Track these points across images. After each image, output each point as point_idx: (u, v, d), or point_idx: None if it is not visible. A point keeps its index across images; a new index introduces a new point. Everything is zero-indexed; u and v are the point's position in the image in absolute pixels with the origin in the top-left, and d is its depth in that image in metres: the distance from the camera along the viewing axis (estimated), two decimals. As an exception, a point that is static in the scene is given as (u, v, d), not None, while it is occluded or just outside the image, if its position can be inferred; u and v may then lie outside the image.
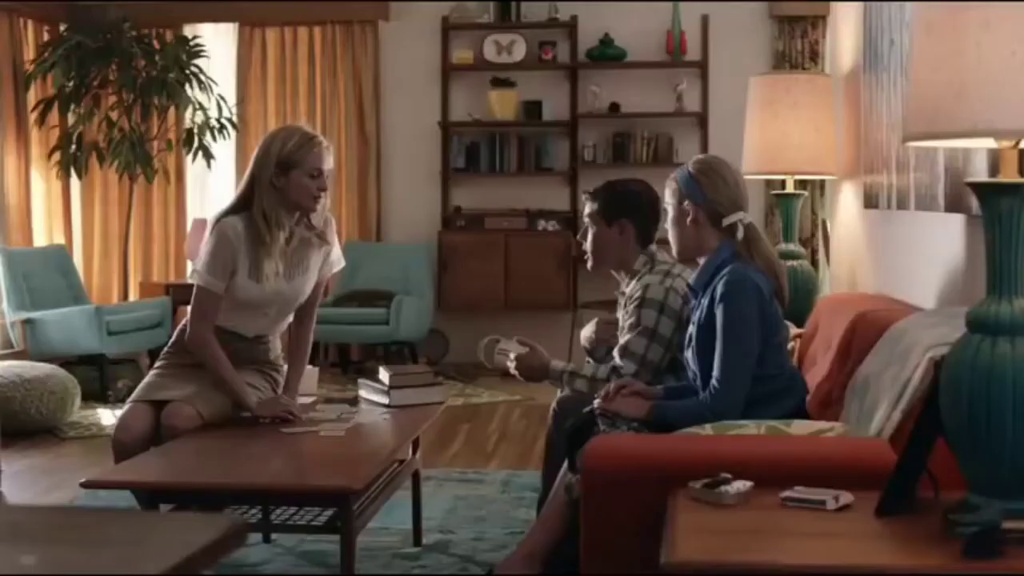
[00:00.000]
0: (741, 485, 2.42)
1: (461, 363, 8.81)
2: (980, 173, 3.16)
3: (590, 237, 4.06)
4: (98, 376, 7.68)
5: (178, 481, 3.45)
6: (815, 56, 8.80)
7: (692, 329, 3.36)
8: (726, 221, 3.36)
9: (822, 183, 8.16)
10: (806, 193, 6.35)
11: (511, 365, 4.05)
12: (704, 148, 8.90)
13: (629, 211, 4.00)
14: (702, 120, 8.98)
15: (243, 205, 3.99)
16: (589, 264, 4.11)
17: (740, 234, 3.35)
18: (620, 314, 4.01)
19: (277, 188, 3.94)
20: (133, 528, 1.44)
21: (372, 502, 3.76)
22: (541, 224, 9.02)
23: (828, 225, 6.85)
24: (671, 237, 3.49)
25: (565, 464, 3.45)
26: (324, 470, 3.52)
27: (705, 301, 3.30)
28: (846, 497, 2.35)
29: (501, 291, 8.90)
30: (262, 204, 3.94)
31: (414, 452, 4.36)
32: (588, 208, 4.08)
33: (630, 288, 3.98)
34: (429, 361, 8.78)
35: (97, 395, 7.58)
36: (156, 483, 3.44)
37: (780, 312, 3.32)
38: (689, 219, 3.39)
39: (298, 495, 3.56)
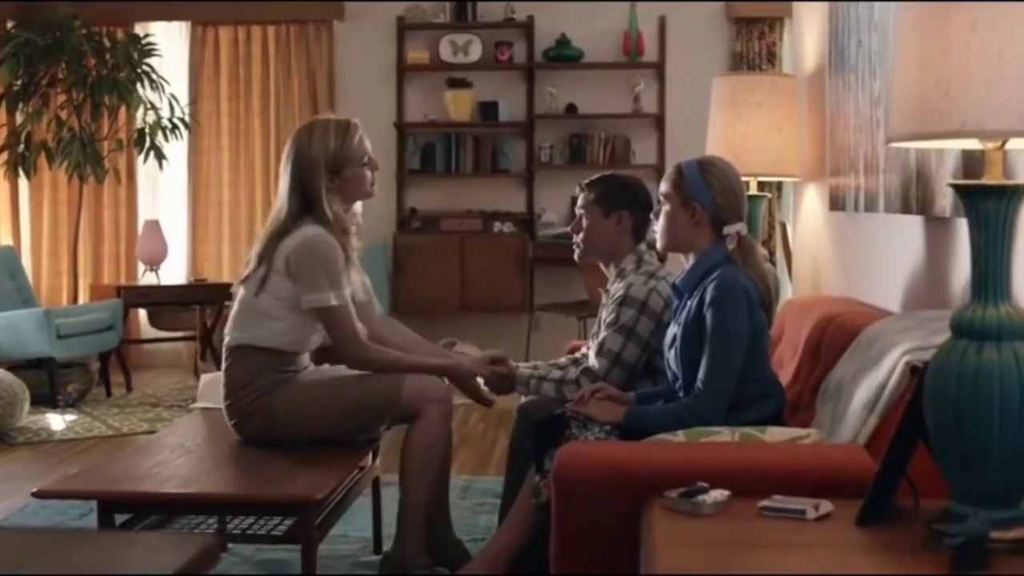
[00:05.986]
0: (718, 494, 2.37)
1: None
2: (951, 175, 3.12)
3: (584, 226, 3.97)
4: (47, 380, 7.51)
5: (133, 491, 3.35)
6: (772, 58, 8.80)
7: (676, 329, 3.30)
8: (726, 230, 3.30)
9: (779, 185, 8.14)
10: (769, 195, 6.30)
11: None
12: (661, 149, 8.87)
13: (629, 203, 3.94)
14: (659, 121, 8.94)
15: (299, 216, 3.77)
16: (577, 254, 4.03)
17: (732, 244, 3.30)
18: (602, 313, 3.96)
19: (332, 191, 3.79)
20: (100, 551, 1.36)
21: (333, 511, 3.68)
22: (497, 226, 8.94)
23: (788, 228, 6.82)
24: (660, 227, 3.40)
25: (533, 467, 3.40)
26: (284, 479, 3.43)
27: (692, 303, 3.24)
28: (826, 506, 2.29)
29: (457, 293, 8.81)
30: (329, 212, 3.76)
31: (374, 459, 4.29)
32: (583, 199, 3.99)
33: (614, 287, 3.93)
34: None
35: (47, 400, 7.40)
36: (110, 492, 3.34)
37: (765, 320, 3.27)
38: (691, 219, 3.32)
39: (258, 505, 3.47)
